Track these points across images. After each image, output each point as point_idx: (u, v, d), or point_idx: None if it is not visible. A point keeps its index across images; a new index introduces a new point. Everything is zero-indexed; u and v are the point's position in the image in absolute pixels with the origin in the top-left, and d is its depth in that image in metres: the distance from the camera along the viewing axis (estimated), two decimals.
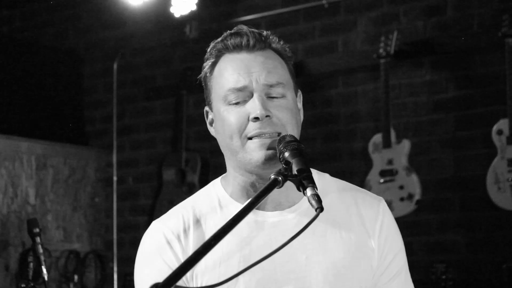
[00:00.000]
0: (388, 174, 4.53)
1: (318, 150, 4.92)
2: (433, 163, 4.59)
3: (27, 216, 5.02)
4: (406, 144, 4.54)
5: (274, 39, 1.83)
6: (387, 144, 4.54)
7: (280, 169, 1.64)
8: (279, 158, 1.69)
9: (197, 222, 1.82)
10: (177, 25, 5.35)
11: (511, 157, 4.20)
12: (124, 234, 5.68)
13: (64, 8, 6.04)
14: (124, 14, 5.54)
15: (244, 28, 1.82)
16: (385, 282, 1.83)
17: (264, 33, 1.83)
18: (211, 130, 1.87)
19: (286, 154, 1.66)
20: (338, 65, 4.90)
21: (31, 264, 4.53)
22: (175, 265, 1.74)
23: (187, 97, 5.37)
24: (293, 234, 1.55)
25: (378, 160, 4.57)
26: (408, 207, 4.47)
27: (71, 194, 5.56)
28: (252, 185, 1.80)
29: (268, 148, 1.74)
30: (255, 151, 1.74)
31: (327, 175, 1.90)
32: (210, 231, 1.79)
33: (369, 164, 4.62)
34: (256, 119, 1.74)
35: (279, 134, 1.75)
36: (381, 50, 4.56)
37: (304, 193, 1.61)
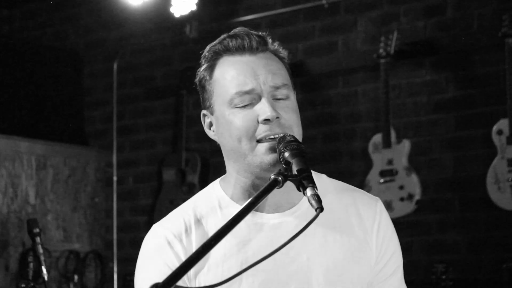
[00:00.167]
0: (388, 174, 4.53)
1: (318, 150, 4.92)
2: (433, 163, 4.59)
3: (27, 216, 5.02)
4: (406, 144, 4.54)
5: (270, 41, 1.83)
6: (387, 144, 4.54)
7: (280, 169, 1.64)
8: (279, 158, 1.68)
9: (199, 223, 1.82)
10: (177, 25, 5.35)
11: (511, 157, 4.20)
12: (124, 234, 5.68)
13: (64, 8, 6.05)
14: (124, 14, 5.54)
15: (243, 30, 1.81)
16: (381, 281, 1.84)
17: (263, 34, 1.82)
18: (210, 134, 1.86)
19: (286, 154, 1.66)
20: (338, 65, 4.90)
21: (31, 264, 4.54)
22: (175, 265, 1.73)
23: (187, 97, 5.37)
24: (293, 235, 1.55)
25: (378, 160, 4.57)
26: (408, 207, 4.47)
27: (71, 194, 5.56)
28: (255, 187, 1.79)
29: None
30: (265, 154, 1.74)
31: (324, 176, 1.90)
32: (211, 231, 1.78)
33: (369, 164, 4.62)
34: (267, 120, 1.73)
35: None
36: (381, 50, 4.56)
37: (304, 193, 1.61)
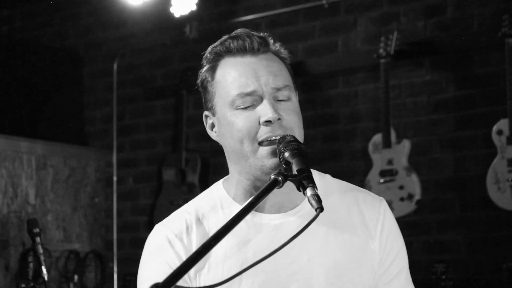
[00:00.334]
0: (388, 174, 4.53)
1: (318, 150, 4.92)
2: (433, 163, 4.59)
3: (27, 216, 5.02)
4: (406, 144, 4.54)
5: (271, 41, 1.82)
6: (387, 144, 4.54)
7: (280, 169, 1.64)
8: (279, 159, 1.68)
9: (200, 222, 1.82)
10: (177, 25, 5.35)
11: (511, 157, 4.20)
12: (124, 234, 5.68)
13: (64, 8, 6.05)
14: (124, 14, 5.55)
15: (244, 31, 1.80)
16: (386, 282, 1.83)
17: (264, 35, 1.81)
18: (212, 135, 1.85)
19: (286, 154, 1.66)
20: (338, 65, 4.90)
21: (31, 264, 4.54)
22: (176, 264, 1.74)
23: (187, 97, 5.37)
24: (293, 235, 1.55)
25: (378, 160, 4.57)
26: (408, 207, 4.48)
27: (71, 194, 5.56)
28: (256, 188, 1.79)
29: None
30: (267, 158, 1.73)
31: (328, 176, 1.89)
32: (212, 231, 1.78)
33: (369, 164, 4.62)
34: (268, 122, 1.73)
35: None
36: (381, 50, 4.56)
37: (304, 193, 1.60)
